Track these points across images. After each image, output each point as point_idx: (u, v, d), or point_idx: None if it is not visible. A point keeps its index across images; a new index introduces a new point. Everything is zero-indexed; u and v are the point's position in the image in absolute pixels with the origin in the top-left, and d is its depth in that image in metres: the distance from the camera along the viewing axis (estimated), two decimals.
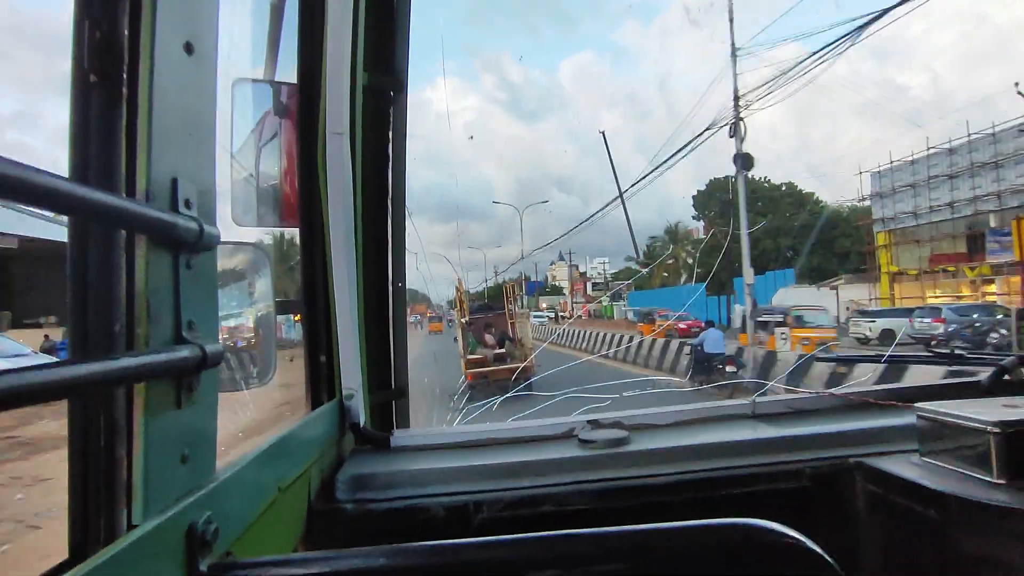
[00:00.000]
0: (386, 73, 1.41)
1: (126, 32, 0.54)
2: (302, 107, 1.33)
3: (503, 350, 13.02)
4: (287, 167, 1.43)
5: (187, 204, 0.59)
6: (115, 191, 0.52)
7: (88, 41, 0.53)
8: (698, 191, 51.14)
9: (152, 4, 0.55)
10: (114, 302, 0.52)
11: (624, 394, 1.76)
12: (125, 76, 0.54)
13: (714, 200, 47.02)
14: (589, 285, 65.35)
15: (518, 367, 11.39)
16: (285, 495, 0.89)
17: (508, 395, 1.75)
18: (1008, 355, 1.48)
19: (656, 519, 1.09)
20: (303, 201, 1.31)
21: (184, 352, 0.56)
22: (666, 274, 50.24)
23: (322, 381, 1.23)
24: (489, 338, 13.70)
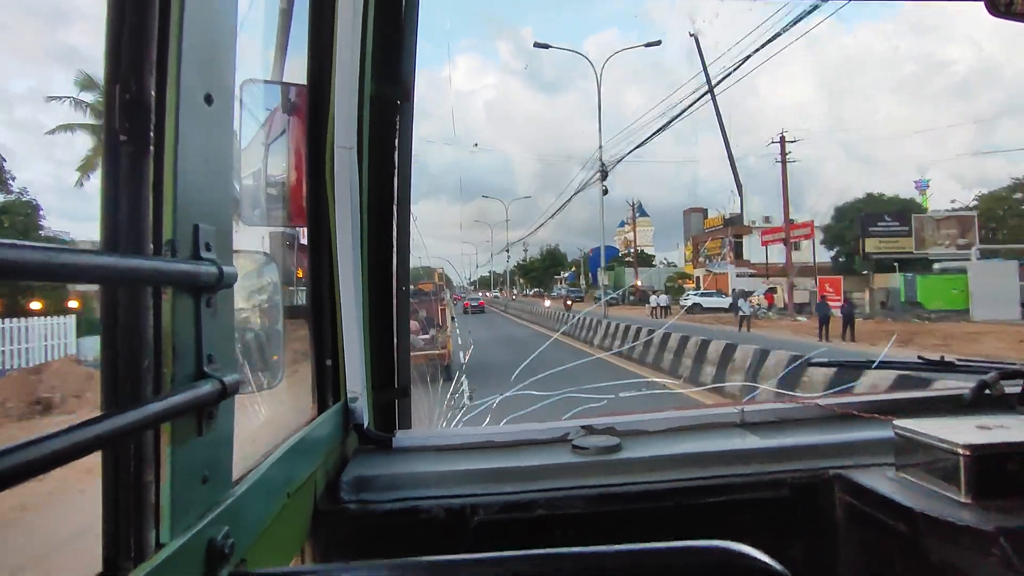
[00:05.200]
0: (393, 82, 1.43)
1: (152, 91, 0.58)
2: (311, 115, 1.37)
3: (427, 336, 12.42)
4: (295, 169, 1.47)
5: (207, 247, 0.64)
6: (143, 245, 0.57)
7: (118, 102, 0.57)
8: None
9: (177, 61, 0.59)
10: (142, 347, 0.57)
11: (620, 395, 1.82)
12: (152, 133, 0.58)
13: None
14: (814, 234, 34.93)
15: (435, 353, 11.41)
16: (293, 499, 0.95)
17: (507, 394, 1.81)
18: (991, 367, 1.52)
19: (645, 527, 1.16)
20: (311, 208, 1.35)
21: (206, 387, 0.61)
22: None
23: (328, 384, 1.28)
24: (414, 324, 13.34)
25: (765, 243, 37.71)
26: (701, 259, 43.53)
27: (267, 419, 1.16)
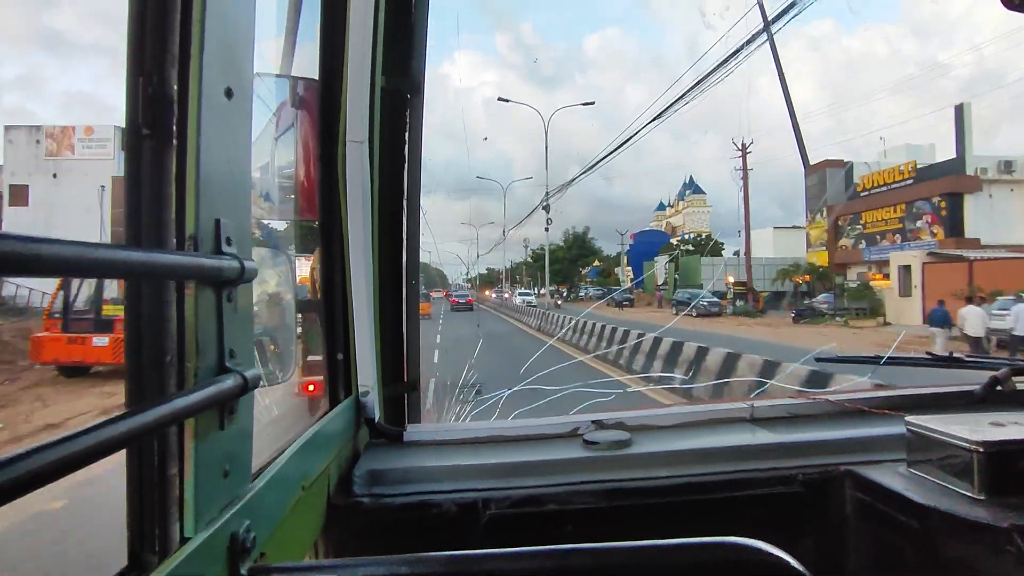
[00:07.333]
0: (403, 76, 1.43)
1: (175, 85, 0.58)
2: (323, 109, 1.36)
3: None
4: (304, 163, 1.47)
5: (228, 242, 0.64)
6: (166, 240, 0.57)
7: (142, 96, 0.57)
8: None
9: (199, 55, 0.59)
10: (166, 340, 0.57)
11: (627, 390, 1.82)
12: (175, 127, 0.58)
13: None
14: None
15: None
16: (308, 493, 0.95)
17: (515, 388, 1.81)
18: (1003, 362, 1.51)
19: (656, 522, 1.16)
20: (323, 203, 1.35)
21: (228, 382, 0.61)
22: None
23: (340, 379, 1.29)
24: None
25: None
26: (846, 240, 26.59)
27: (279, 413, 1.16)
